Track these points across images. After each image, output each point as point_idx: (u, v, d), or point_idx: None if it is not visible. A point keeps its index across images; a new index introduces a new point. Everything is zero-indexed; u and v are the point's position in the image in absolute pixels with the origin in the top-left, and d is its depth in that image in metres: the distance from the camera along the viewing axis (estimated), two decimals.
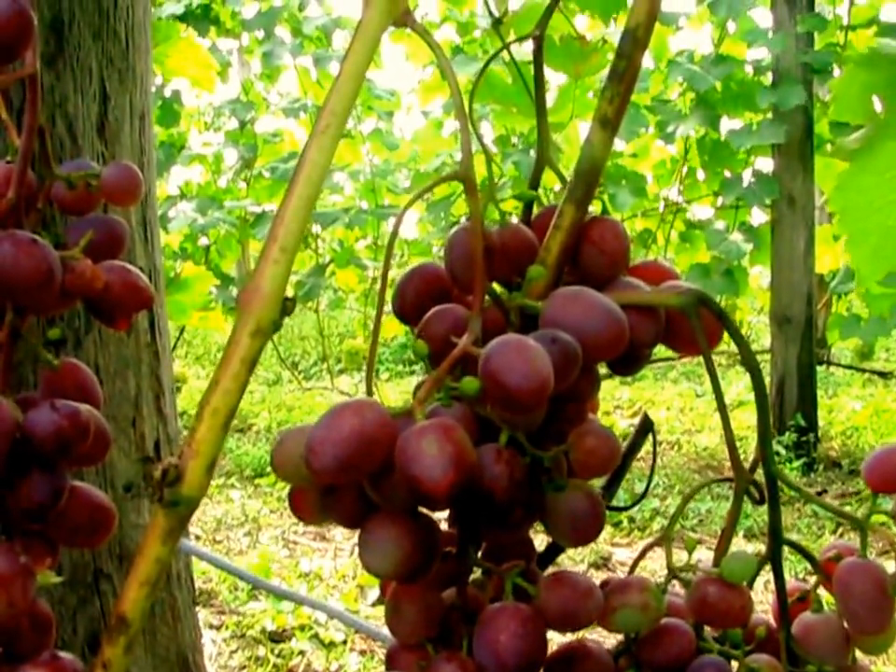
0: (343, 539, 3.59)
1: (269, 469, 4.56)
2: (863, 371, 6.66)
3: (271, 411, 5.84)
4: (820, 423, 4.90)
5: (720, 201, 5.15)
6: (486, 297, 0.48)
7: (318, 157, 0.44)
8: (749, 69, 4.87)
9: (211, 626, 2.78)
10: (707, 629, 0.52)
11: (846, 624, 0.51)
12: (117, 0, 0.81)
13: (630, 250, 0.53)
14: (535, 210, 0.56)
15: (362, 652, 2.66)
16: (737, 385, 6.03)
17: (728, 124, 4.84)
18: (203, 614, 2.77)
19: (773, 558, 0.52)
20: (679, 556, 0.51)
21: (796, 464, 4.56)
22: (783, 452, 4.54)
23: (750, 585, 0.51)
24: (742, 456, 0.52)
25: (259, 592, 2.86)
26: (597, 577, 3.30)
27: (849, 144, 0.70)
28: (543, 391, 0.42)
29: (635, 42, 0.51)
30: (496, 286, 0.50)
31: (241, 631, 2.75)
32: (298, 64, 5.67)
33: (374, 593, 3.02)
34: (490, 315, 0.49)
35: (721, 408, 0.50)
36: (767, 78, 4.77)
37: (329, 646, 2.68)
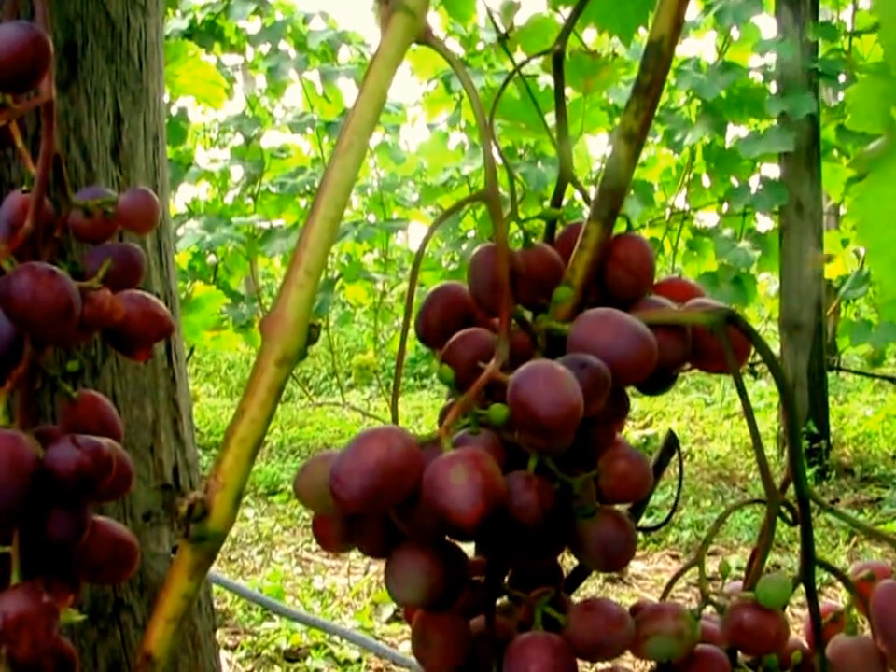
0: (357, 556, 3.57)
1: (282, 486, 4.56)
2: (874, 376, 6.63)
3: (283, 427, 5.83)
4: (832, 429, 4.87)
5: (725, 207, 5.13)
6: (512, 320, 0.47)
7: (341, 177, 0.43)
8: (753, 76, 4.85)
9: (226, 647, 2.76)
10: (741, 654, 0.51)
11: (881, 646, 0.50)
12: (130, 22, 0.81)
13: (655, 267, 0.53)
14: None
15: (378, 671, 2.65)
16: (748, 392, 6.00)
17: (733, 130, 4.83)
18: (217, 634, 2.75)
19: (806, 579, 0.52)
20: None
21: (809, 472, 4.54)
22: None
23: (783, 607, 0.50)
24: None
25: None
26: (612, 590, 3.28)
27: (868, 154, 0.69)
28: (574, 418, 0.41)
29: (659, 55, 0.50)
30: (519, 307, 0.50)
31: (256, 651, 2.74)
32: (303, 79, 5.66)
33: (389, 610, 3.00)
34: (516, 339, 0.48)
35: (755, 435, 0.49)
36: (771, 84, 4.76)
37: (345, 664, 2.67)
